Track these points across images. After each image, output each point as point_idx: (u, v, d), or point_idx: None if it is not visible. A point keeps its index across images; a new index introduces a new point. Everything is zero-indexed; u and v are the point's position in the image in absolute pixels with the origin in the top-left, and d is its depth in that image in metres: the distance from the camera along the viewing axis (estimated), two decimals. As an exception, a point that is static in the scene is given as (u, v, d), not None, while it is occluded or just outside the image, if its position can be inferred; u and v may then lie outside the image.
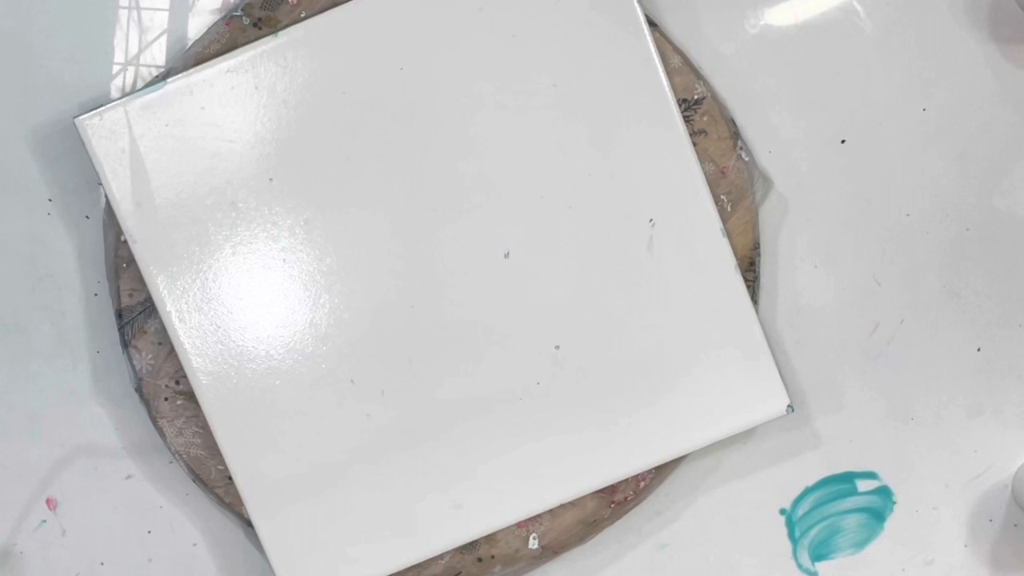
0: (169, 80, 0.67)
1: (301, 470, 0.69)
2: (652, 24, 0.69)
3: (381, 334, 0.69)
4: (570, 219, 0.69)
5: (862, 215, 0.73)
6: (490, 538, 0.72)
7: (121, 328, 0.71)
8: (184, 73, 0.68)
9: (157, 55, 0.71)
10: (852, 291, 0.73)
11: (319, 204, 0.68)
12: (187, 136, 0.68)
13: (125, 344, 0.71)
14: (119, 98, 0.69)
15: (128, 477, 0.74)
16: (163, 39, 0.71)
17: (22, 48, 0.70)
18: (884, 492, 0.74)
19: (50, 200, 0.72)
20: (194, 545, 0.74)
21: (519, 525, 0.72)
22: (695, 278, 0.69)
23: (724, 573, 0.75)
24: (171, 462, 0.74)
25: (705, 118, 0.70)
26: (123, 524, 0.74)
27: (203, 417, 0.70)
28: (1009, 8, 0.71)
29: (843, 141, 0.72)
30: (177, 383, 0.71)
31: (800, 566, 0.75)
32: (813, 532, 0.74)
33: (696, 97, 0.70)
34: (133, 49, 0.71)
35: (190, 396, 0.71)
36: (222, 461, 0.71)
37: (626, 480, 0.71)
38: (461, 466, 0.70)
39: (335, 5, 0.68)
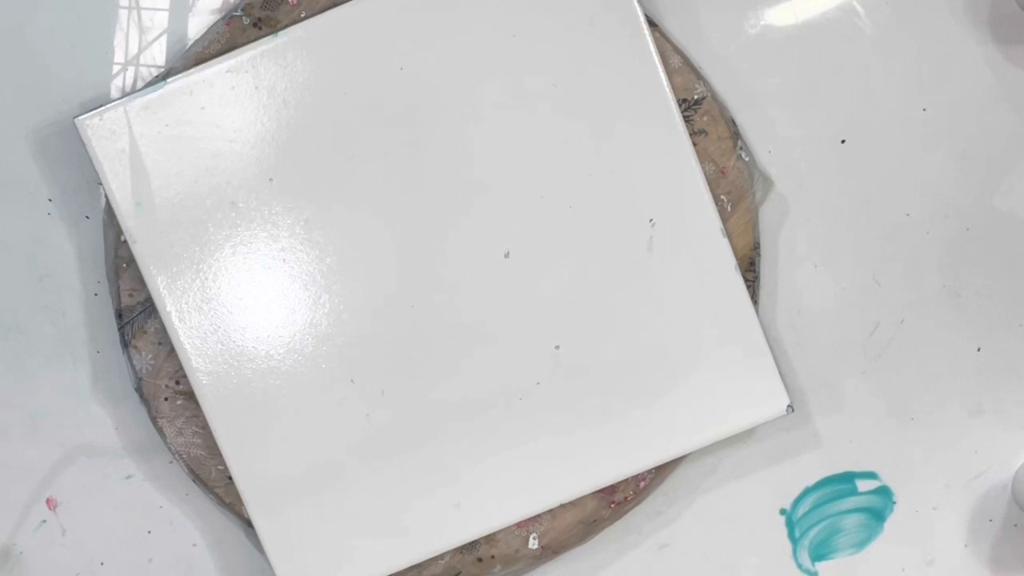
0: (169, 80, 0.68)
1: (301, 470, 0.69)
2: (652, 24, 0.69)
3: (381, 334, 0.69)
4: (570, 219, 0.69)
5: (862, 215, 0.72)
6: (490, 538, 0.72)
7: (121, 328, 0.71)
8: (184, 73, 0.68)
9: (157, 55, 0.71)
10: (852, 291, 0.73)
11: (319, 204, 0.68)
12: (187, 136, 0.68)
13: (125, 344, 0.71)
14: (119, 98, 0.69)
15: (128, 477, 0.74)
16: (163, 39, 0.71)
17: (22, 48, 0.70)
18: (884, 492, 0.74)
19: (50, 200, 0.72)
20: (194, 545, 0.74)
21: (519, 525, 0.72)
22: (695, 278, 0.69)
23: (724, 573, 0.75)
24: (171, 462, 0.74)
25: (705, 118, 0.70)
26: (123, 524, 0.74)
27: (203, 417, 0.70)
28: (1009, 8, 0.71)
29: (843, 141, 0.72)
30: (177, 383, 0.71)
31: (800, 566, 0.75)
32: (813, 532, 0.74)
33: (696, 97, 0.70)
34: (133, 49, 0.71)
35: (190, 396, 0.71)
36: (222, 461, 0.71)
37: (626, 480, 0.71)
38: (461, 466, 0.70)
39: (335, 5, 0.68)
